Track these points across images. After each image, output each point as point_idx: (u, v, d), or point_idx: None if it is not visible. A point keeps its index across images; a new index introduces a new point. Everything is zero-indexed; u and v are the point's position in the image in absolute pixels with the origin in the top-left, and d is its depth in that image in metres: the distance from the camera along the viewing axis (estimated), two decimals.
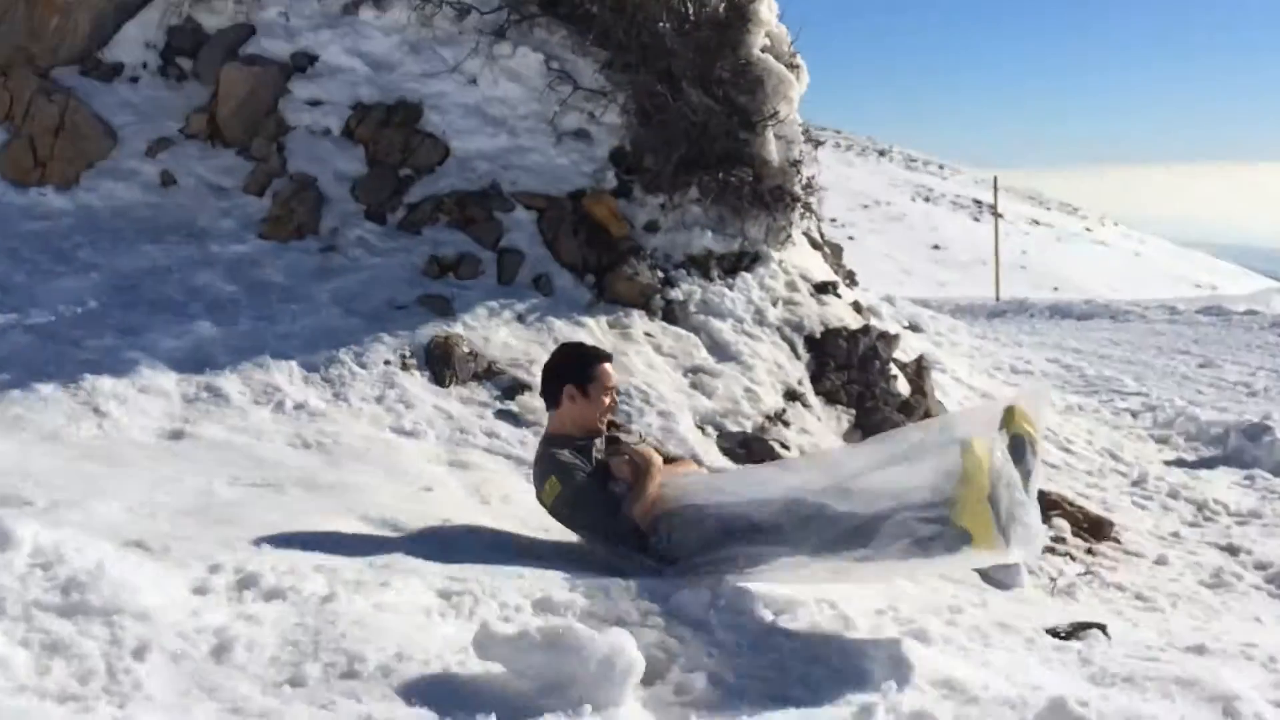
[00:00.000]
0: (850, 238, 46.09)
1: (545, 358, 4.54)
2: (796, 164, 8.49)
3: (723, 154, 8.01)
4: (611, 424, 4.33)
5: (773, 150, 8.15)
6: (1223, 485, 8.42)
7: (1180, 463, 9.12)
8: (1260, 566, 6.48)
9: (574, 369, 4.08)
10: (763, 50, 8.29)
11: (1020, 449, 3.54)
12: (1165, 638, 4.57)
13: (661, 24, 8.00)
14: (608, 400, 4.11)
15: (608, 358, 4.23)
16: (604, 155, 7.99)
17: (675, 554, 3.70)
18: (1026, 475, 3.52)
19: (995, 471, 3.25)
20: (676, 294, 7.43)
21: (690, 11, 8.25)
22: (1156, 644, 4.32)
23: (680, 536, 3.73)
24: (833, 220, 47.87)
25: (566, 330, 6.67)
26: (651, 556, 3.78)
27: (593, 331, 6.68)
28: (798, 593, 4.02)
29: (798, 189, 8.42)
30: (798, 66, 8.71)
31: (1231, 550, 6.81)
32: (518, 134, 7.98)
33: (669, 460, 4.25)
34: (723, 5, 8.24)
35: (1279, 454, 8.93)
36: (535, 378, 5.58)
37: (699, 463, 5.22)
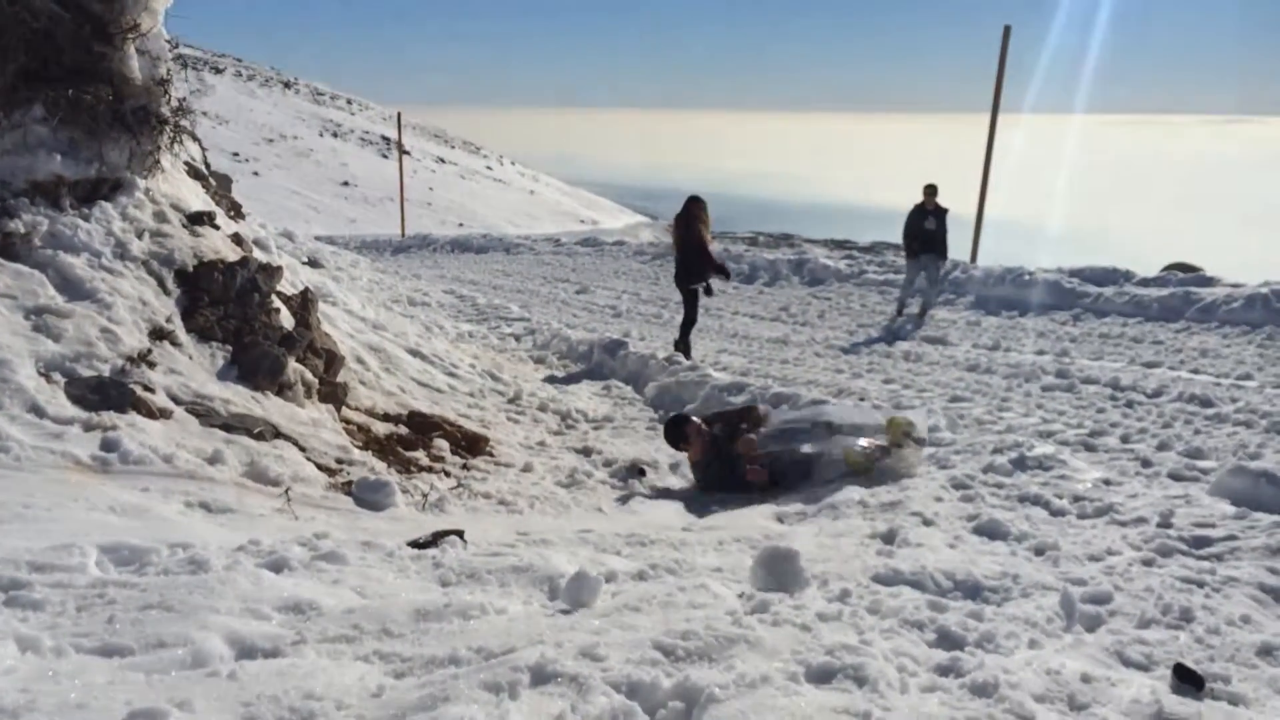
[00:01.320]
0: (255, 173, 44.10)
1: None
2: (164, 83, 7.78)
3: (74, 67, 7.09)
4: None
5: (135, 66, 7.40)
6: (585, 396, 9.52)
7: (552, 379, 10.12)
8: (607, 464, 7.43)
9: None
10: None
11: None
12: (518, 534, 5.07)
13: None
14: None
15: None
16: None
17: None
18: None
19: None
20: (16, 226, 6.46)
21: None
22: (506, 541, 4.77)
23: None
24: (235, 154, 45.44)
25: None
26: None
27: None
28: (152, 540, 3.85)
29: (165, 110, 7.75)
30: None
31: (586, 452, 7.74)
32: None
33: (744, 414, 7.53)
34: None
35: (631, 365, 10.30)
36: None
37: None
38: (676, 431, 7.44)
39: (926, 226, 12.97)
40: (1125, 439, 7.58)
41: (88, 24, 7.13)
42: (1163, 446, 7.33)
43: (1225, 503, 5.48)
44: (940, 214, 13.02)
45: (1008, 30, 16.79)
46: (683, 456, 7.46)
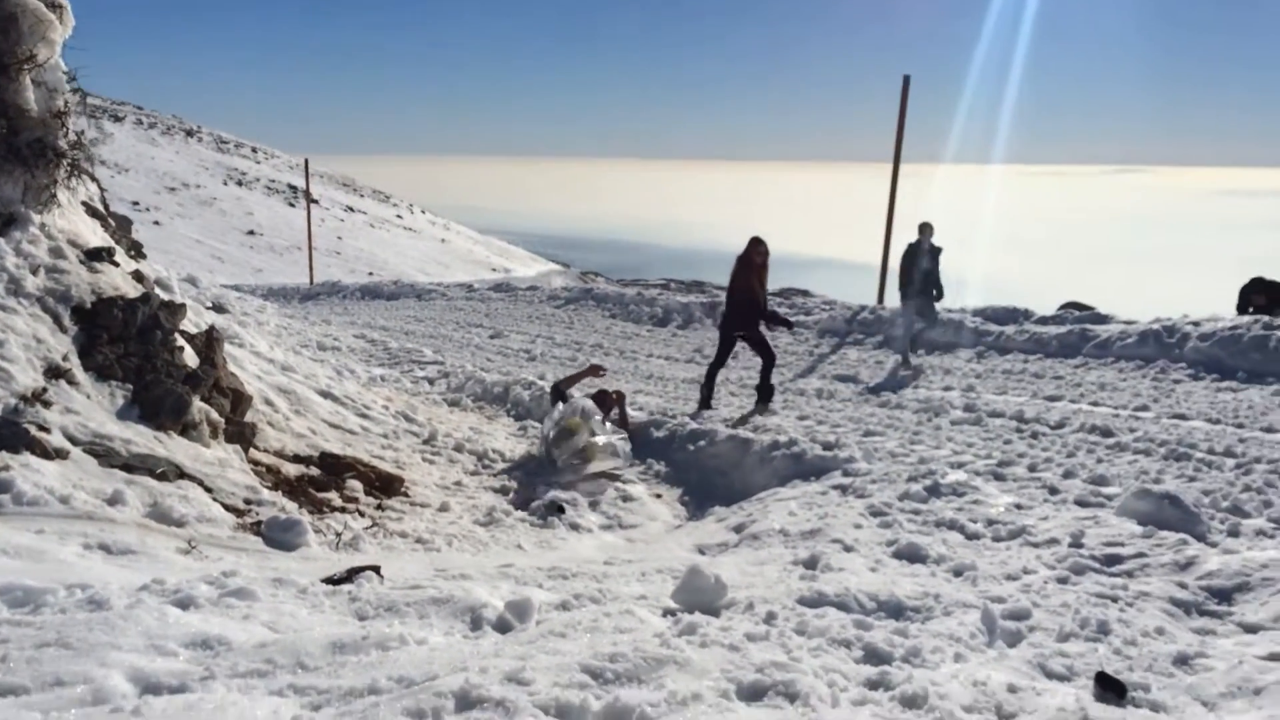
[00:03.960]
0: (156, 222, 43.02)
1: None
2: (61, 115, 7.54)
3: None
4: None
5: (30, 98, 7.16)
6: (501, 436, 9.39)
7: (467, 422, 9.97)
8: (525, 503, 7.33)
9: None
10: None
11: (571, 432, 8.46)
12: (436, 570, 4.95)
13: None
14: None
15: None
16: None
17: None
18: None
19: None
20: None
21: None
22: (426, 576, 4.64)
23: None
24: (135, 203, 44.26)
25: None
26: None
27: None
28: (49, 581, 3.66)
29: (63, 144, 7.50)
30: (60, 6, 7.74)
31: (504, 491, 7.62)
32: None
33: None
34: None
35: (538, 403, 10.22)
36: None
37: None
38: (604, 397, 9.32)
39: (923, 265, 12.64)
40: (1032, 468, 7.75)
41: None
42: (1068, 474, 7.51)
43: (1132, 523, 5.63)
44: (935, 252, 12.74)
45: (907, 80, 17.33)
46: (600, 493, 7.53)
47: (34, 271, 6.67)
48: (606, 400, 9.43)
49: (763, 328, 10.47)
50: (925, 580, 4.78)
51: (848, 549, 5.42)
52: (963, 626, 4.02)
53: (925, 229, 12.71)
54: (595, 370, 10.34)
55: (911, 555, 5.26)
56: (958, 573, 4.96)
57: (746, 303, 10.34)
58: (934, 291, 12.91)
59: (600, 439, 8.41)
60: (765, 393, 10.35)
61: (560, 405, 8.86)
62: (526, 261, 55.49)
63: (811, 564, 5.11)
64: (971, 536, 5.69)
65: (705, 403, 10.43)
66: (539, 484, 7.84)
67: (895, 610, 4.24)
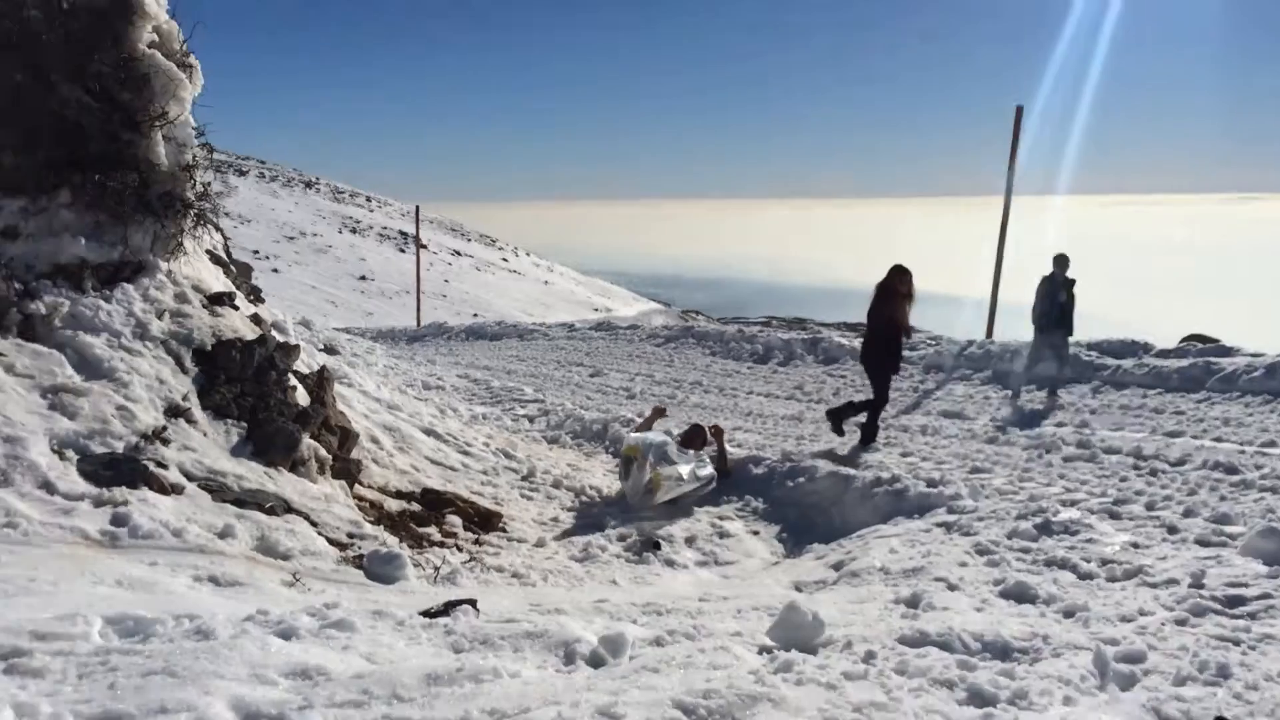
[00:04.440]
0: (275, 270, 44.77)
1: None
2: (189, 168, 7.93)
3: (102, 155, 7.24)
4: None
5: (161, 153, 7.55)
6: (599, 473, 9.43)
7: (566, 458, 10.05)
8: (621, 538, 7.33)
9: None
10: (150, 45, 7.65)
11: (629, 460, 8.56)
12: (531, 605, 4.97)
13: (27, 9, 7.07)
14: None
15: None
16: None
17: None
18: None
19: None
20: (37, 307, 6.54)
21: None
22: (520, 610, 4.67)
23: None
24: (256, 252, 46.19)
25: None
26: None
27: None
28: (159, 611, 3.79)
29: (190, 195, 7.89)
30: (191, 66, 8.14)
31: (600, 527, 7.64)
32: None
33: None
34: None
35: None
36: None
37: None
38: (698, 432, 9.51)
39: (1060, 299, 12.25)
40: (1150, 506, 7.42)
41: (116, 113, 7.28)
42: (1189, 513, 7.17)
43: (1258, 563, 5.33)
44: (1069, 284, 12.34)
45: (1019, 111, 16.99)
46: (696, 526, 7.48)
47: (159, 316, 7.00)
48: (699, 435, 9.43)
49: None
50: (1034, 620, 4.60)
51: (952, 588, 5.26)
52: (1073, 669, 3.85)
53: (1060, 261, 12.25)
54: (659, 412, 10.41)
55: (1020, 595, 5.08)
56: (1069, 613, 4.76)
57: (885, 333, 10.06)
58: (1067, 328, 12.42)
59: (665, 468, 8.27)
60: (868, 434, 10.20)
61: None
62: (628, 301, 55.96)
63: (913, 602, 4.98)
64: (1084, 576, 5.46)
65: (837, 428, 10.29)
66: (635, 520, 7.83)
67: (1001, 651, 4.09)
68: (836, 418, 10.33)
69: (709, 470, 8.68)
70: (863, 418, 10.34)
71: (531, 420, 11.79)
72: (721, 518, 8.04)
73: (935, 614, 4.66)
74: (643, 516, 7.92)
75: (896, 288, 9.94)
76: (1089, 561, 5.67)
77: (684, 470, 8.37)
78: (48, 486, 5.11)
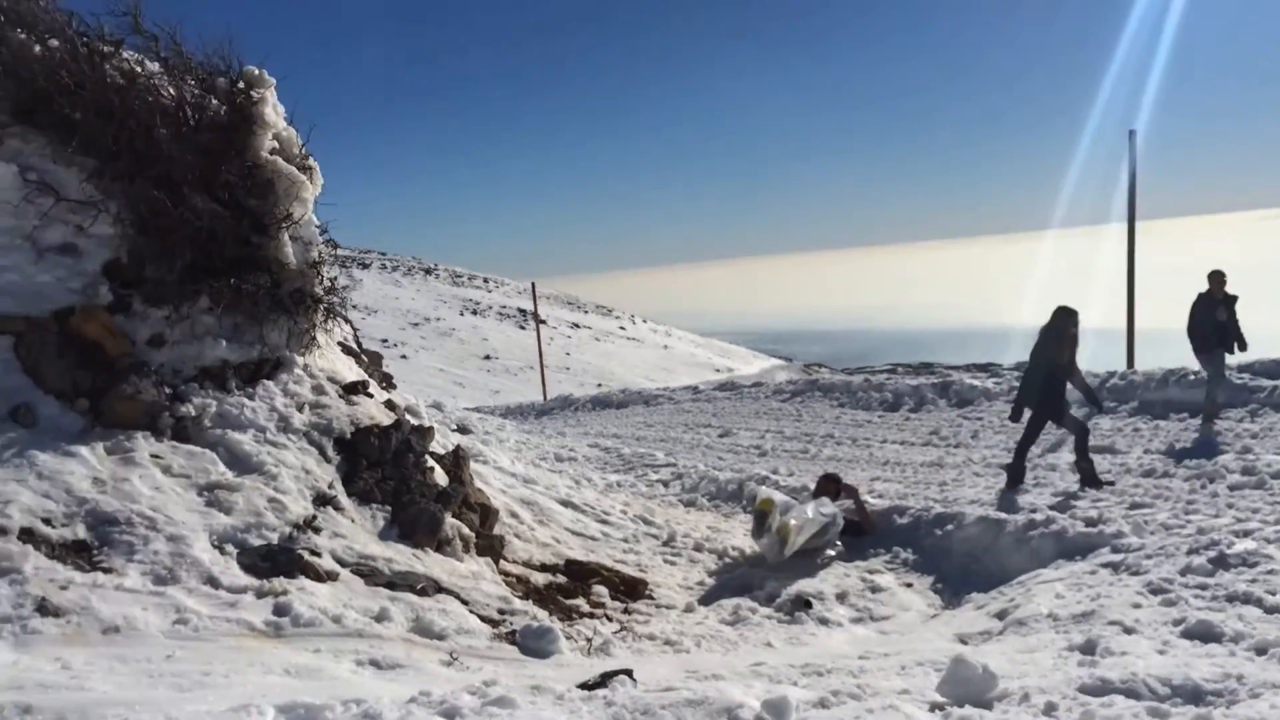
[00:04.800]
0: (403, 356, 46.19)
1: (26, 495, 5.15)
2: (316, 265, 8.27)
3: (235, 259, 7.62)
4: None
5: (289, 253, 7.90)
6: (739, 534, 9.30)
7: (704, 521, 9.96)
8: (771, 599, 7.18)
9: None
10: (271, 152, 8.05)
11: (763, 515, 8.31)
12: (687, 672, 4.88)
13: (157, 129, 7.53)
14: None
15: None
16: (95, 269, 7.25)
17: None
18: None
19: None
20: (188, 410, 6.86)
21: (189, 115, 7.85)
22: (677, 678, 4.59)
23: None
24: (384, 340, 47.78)
25: (53, 463, 5.88)
26: None
27: (86, 460, 5.95)
28: (326, 698, 3.84)
29: (319, 290, 8.20)
30: (310, 168, 8.54)
31: (747, 588, 7.50)
32: None
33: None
34: (224, 108, 7.93)
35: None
36: (14, 522, 4.98)
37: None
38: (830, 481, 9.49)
39: (1218, 317, 11.42)
40: None
41: (245, 218, 7.65)
42: None
43: None
44: (1231, 302, 11.53)
45: (1133, 135, 16.49)
46: (846, 581, 7.27)
47: (300, 409, 7.25)
48: (832, 484, 9.35)
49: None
50: (1224, 660, 4.29)
51: (1128, 631, 4.96)
52: (1275, 710, 3.56)
53: (1216, 278, 11.52)
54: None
55: (1204, 634, 4.75)
56: (1261, 650, 4.43)
57: (1047, 375, 9.73)
58: (1233, 346, 11.55)
59: (792, 518, 8.08)
60: (1014, 473, 9.81)
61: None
62: (748, 359, 55.72)
63: (1089, 649, 4.70)
64: (1271, 610, 5.08)
65: (1014, 479, 9.87)
66: (784, 579, 7.67)
67: (1193, 695, 3.82)
68: (1014, 471, 9.92)
69: (831, 509, 8.53)
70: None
71: (666, 485, 11.75)
72: (871, 571, 7.82)
73: (1115, 659, 4.39)
74: (790, 575, 7.75)
75: (1067, 329, 9.65)
76: (1274, 594, 5.29)
77: (809, 511, 8.24)
78: (212, 581, 5.29)
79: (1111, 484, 9.39)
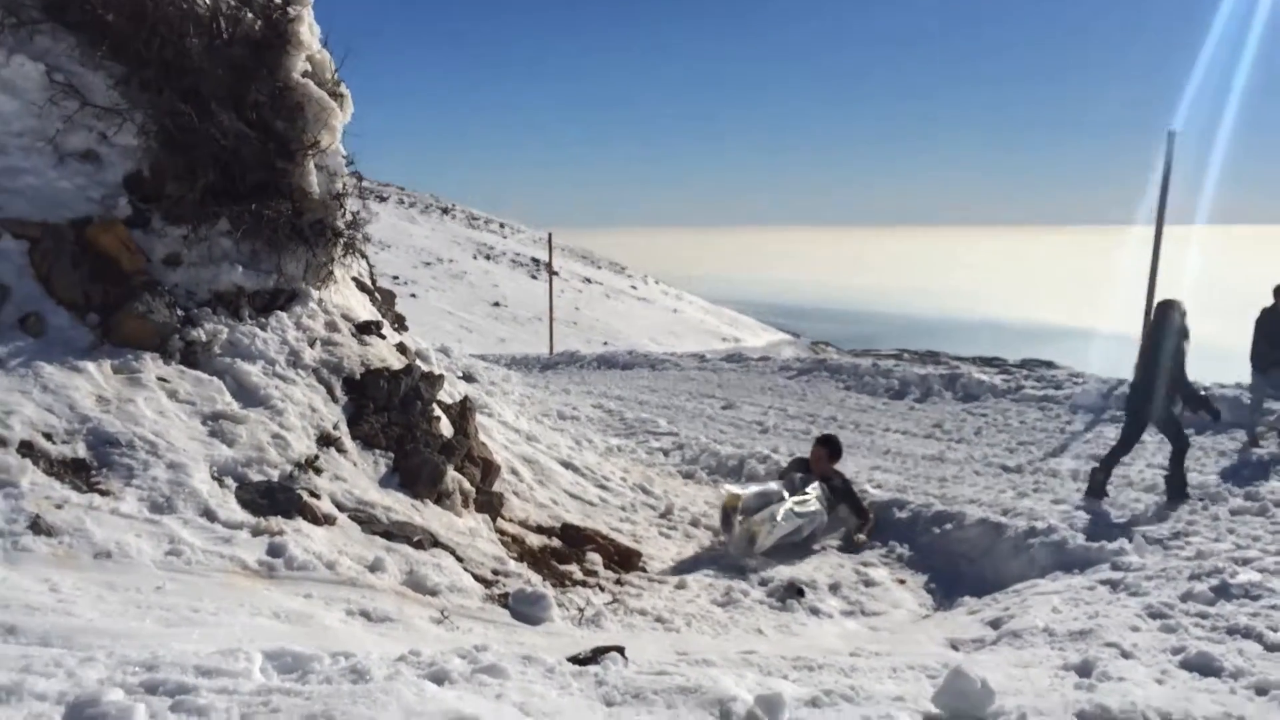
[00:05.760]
0: (413, 295, 46.05)
1: (29, 408, 5.07)
2: (340, 197, 8.09)
3: (258, 183, 7.44)
4: None
5: (314, 182, 7.72)
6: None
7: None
8: (764, 583, 7.14)
9: None
10: (304, 75, 7.83)
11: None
12: (678, 653, 4.84)
13: (189, 39, 7.34)
14: None
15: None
16: (117, 180, 7.10)
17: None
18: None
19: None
20: (199, 334, 6.76)
21: (223, 27, 7.65)
22: (668, 659, 4.54)
23: None
24: (395, 278, 47.60)
25: (59, 377, 5.81)
26: None
27: (92, 377, 5.87)
28: (314, 648, 3.79)
29: (340, 224, 8.05)
30: (341, 95, 8.30)
31: (740, 570, 7.46)
32: (8, 152, 6.92)
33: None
34: (259, 23, 7.72)
35: (771, 478, 9.99)
36: (14, 434, 4.91)
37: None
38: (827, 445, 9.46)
39: None
40: None
41: (272, 142, 7.47)
42: None
43: None
44: None
45: (1171, 135, 16.22)
46: (840, 572, 7.24)
47: (311, 344, 7.16)
48: (819, 455, 9.28)
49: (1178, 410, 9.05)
50: (1224, 698, 4.23)
51: (1126, 655, 4.91)
52: None
53: None
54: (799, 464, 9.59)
55: (1204, 667, 4.69)
56: (1261, 690, 4.36)
57: (1173, 382, 8.96)
58: None
59: (757, 523, 7.77)
60: (1175, 488, 9.00)
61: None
62: (756, 331, 55.52)
63: (1085, 670, 4.64)
64: (1272, 648, 5.02)
65: (1096, 491, 9.18)
66: (776, 564, 7.63)
67: None
68: (1098, 481, 9.27)
69: (813, 508, 8.23)
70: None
71: (666, 454, 11.70)
72: (865, 564, 7.77)
73: (1113, 685, 4.33)
74: (784, 559, 7.70)
75: (1185, 327, 8.91)
76: (1276, 631, 5.23)
77: (779, 513, 7.88)
78: (208, 514, 5.24)
79: (1188, 497, 8.91)
